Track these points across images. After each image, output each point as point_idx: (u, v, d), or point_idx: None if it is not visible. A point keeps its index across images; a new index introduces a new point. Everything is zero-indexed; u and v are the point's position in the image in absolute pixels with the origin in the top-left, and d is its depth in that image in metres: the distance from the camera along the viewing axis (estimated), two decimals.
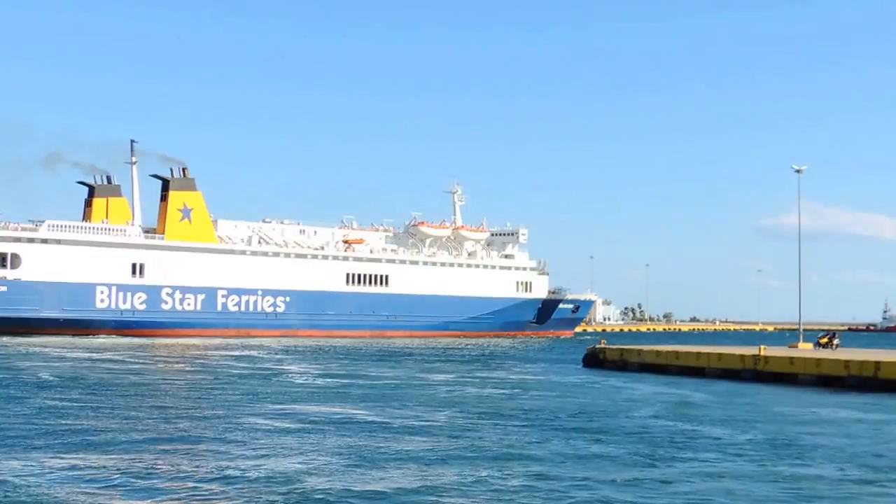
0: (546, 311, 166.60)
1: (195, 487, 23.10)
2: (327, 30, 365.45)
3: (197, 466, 25.80)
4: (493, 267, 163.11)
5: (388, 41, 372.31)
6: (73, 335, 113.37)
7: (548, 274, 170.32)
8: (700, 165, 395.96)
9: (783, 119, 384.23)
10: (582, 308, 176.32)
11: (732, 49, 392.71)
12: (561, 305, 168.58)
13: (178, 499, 21.88)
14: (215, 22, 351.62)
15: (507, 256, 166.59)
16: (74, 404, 40.42)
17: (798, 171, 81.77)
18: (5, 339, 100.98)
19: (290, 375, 59.95)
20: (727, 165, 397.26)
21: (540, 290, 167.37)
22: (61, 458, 26.60)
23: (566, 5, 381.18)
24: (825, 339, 72.93)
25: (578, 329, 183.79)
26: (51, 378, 53.61)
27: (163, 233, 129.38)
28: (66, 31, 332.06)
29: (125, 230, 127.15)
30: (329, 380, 57.12)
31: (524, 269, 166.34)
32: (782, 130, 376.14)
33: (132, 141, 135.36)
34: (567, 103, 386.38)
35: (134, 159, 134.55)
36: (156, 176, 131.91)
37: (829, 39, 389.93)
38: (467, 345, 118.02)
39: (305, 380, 56.73)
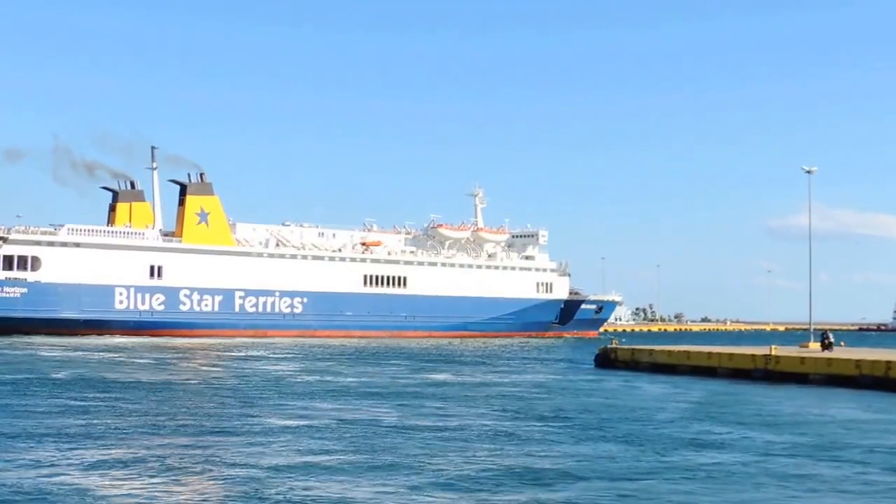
0: (568, 311, 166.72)
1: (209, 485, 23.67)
2: (346, 33, 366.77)
3: (214, 464, 26.36)
4: (513, 268, 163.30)
5: (408, 44, 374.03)
6: (93, 335, 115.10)
7: (569, 275, 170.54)
8: (709, 167, 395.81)
9: (791, 121, 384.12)
10: (606, 309, 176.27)
11: (742, 51, 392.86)
12: (584, 306, 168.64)
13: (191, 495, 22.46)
14: (233, 26, 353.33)
15: (527, 258, 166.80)
16: (91, 403, 41.11)
17: (808, 172, 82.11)
18: (26, 340, 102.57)
19: (304, 375, 60.56)
20: (736, 167, 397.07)
21: (561, 291, 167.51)
22: (75, 456, 27.17)
23: (582, 8, 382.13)
24: (828, 341, 70.31)
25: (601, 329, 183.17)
26: (68, 377, 54.41)
27: (180, 236, 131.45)
28: (80, 34, 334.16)
29: (143, 233, 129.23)
30: (328, 377, 57.75)
31: (544, 270, 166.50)
32: (790, 132, 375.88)
33: (153, 147, 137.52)
34: (579, 106, 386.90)
35: (154, 165, 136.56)
36: (174, 181, 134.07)
37: (837, 41, 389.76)
38: (483, 345, 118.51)
39: (310, 378, 57.23)
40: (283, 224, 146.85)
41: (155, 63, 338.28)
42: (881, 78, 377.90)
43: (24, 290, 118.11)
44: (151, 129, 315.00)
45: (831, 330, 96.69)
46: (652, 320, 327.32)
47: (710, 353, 68.33)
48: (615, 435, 33.76)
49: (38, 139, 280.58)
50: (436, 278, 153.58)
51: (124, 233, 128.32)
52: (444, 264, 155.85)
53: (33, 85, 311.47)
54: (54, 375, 55.90)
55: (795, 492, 24.06)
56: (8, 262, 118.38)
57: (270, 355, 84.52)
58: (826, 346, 68.36)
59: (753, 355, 63.95)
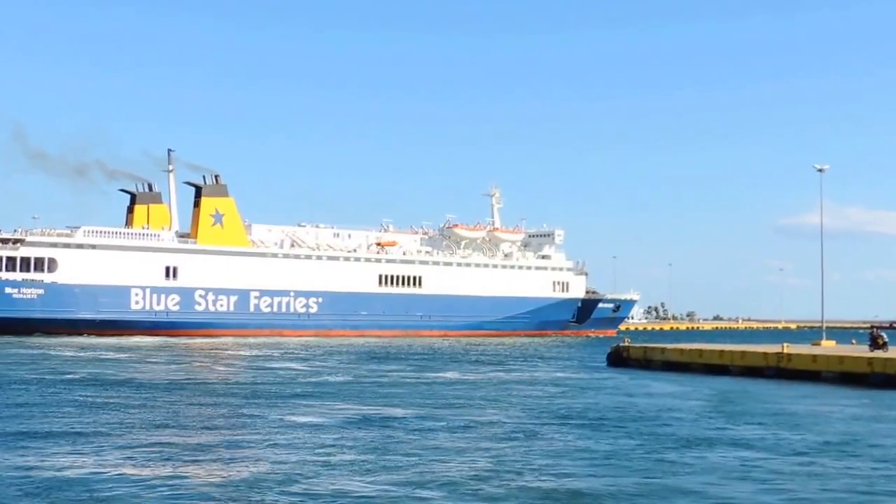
0: (586, 310, 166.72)
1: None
2: (362, 32, 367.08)
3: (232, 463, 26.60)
4: (529, 268, 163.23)
5: (424, 44, 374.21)
6: (109, 336, 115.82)
7: (586, 274, 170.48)
8: (721, 166, 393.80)
9: (802, 119, 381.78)
10: (624, 307, 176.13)
11: (753, 50, 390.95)
12: (601, 305, 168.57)
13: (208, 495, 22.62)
14: (247, 28, 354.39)
15: (543, 257, 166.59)
16: (106, 402, 41.39)
17: (820, 171, 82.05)
18: (43, 340, 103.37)
19: (318, 375, 60.85)
20: (747, 166, 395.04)
21: (577, 290, 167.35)
22: (88, 455, 27.41)
23: (596, 7, 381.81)
24: (882, 341, 63.04)
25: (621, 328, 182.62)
26: (84, 377, 54.85)
27: (195, 237, 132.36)
28: (93, 36, 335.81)
29: (159, 235, 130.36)
30: (343, 376, 57.94)
31: (561, 269, 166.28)
32: (801, 131, 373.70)
33: (169, 150, 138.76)
34: (593, 106, 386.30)
35: (171, 167, 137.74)
36: (189, 183, 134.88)
37: (847, 40, 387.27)
38: (499, 344, 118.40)
39: (324, 378, 57.48)
40: (299, 225, 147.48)
41: (165, 65, 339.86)
42: (892, 76, 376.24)
43: (41, 291, 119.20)
44: (166, 132, 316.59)
45: (843, 328, 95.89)
46: (664, 319, 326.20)
47: (722, 352, 68.28)
48: (629, 432, 33.81)
49: (43, 138, 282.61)
50: (451, 278, 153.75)
51: (139, 234, 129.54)
52: (459, 264, 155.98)
53: (36, 82, 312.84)
54: (70, 375, 56.34)
55: (807, 490, 24.08)
56: (25, 263, 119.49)
57: (285, 355, 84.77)
58: (880, 345, 62.35)
59: (765, 353, 63.91)
